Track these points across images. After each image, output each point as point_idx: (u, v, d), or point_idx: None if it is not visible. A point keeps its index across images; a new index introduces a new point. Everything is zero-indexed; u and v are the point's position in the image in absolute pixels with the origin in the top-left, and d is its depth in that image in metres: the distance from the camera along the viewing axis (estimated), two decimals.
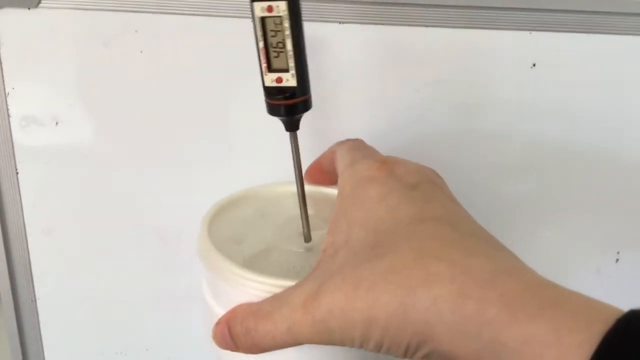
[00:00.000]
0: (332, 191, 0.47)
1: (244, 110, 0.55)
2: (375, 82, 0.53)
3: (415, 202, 0.34)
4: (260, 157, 0.57)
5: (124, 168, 0.59)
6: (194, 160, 0.58)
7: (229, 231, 0.44)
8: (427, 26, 0.51)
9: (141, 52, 0.54)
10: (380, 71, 0.53)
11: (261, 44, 0.38)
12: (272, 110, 0.40)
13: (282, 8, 0.37)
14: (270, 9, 0.37)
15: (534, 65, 0.51)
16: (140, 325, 0.65)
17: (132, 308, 0.64)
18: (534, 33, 0.50)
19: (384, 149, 0.53)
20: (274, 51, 0.38)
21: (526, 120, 0.53)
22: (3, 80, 0.57)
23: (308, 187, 0.44)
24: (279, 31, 0.38)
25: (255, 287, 0.38)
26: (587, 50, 0.50)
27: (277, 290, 0.36)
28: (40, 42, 0.55)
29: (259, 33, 0.38)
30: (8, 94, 0.57)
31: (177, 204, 0.60)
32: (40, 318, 0.66)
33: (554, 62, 0.51)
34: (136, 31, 0.54)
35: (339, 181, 0.38)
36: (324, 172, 0.44)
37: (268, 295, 0.37)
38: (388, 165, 0.36)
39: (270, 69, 0.39)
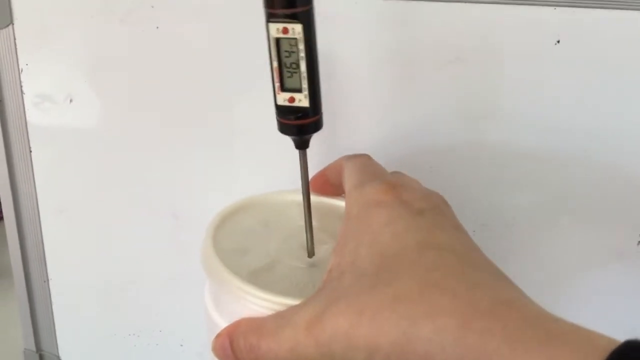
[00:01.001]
0: (337, 203, 0.48)
1: (263, 91, 0.54)
2: (393, 61, 0.52)
3: (421, 230, 0.35)
4: (277, 139, 0.56)
5: (138, 147, 0.59)
6: (210, 142, 0.57)
7: (233, 242, 0.45)
8: (447, 1, 0.49)
9: (157, 28, 0.54)
10: (399, 49, 0.51)
11: (275, 64, 0.39)
12: (283, 129, 0.41)
13: (297, 30, 0.38)
14: (285, 30, 0.38)
15: (557, 42, 0.49)
16: (153, 307, 0.65)
17: (145, 289, 0.64)
18: (558, 8, 0.49)
19: (405, 134, 0.52)
20: (288, 71, 0.39)
21: (549, 99, 0.51)
22: (17, 57, 0.56)
23: (313, 198, 0.45)
24: (293, 52, 0.38)
25: (259, 304, 0.39)
26: (616, 28, 0.49)
27: (280, 308, 0.37)
28: (55, 17, 0.55)
29: (274, 53, 0.39)
30: (22, 70, 0.57)
31: (192, 185, 0.59)
32: (53, 299, 0.66)
33: (579, 40, 0.49)
34: (152, 7, 0.53)
35: (346, 202, 0.39)
36: (329, 184, 0.45)
37: (271, 312, 0.38)
38: (396, 189, 0.37)
39: (283, 89, 0.40)
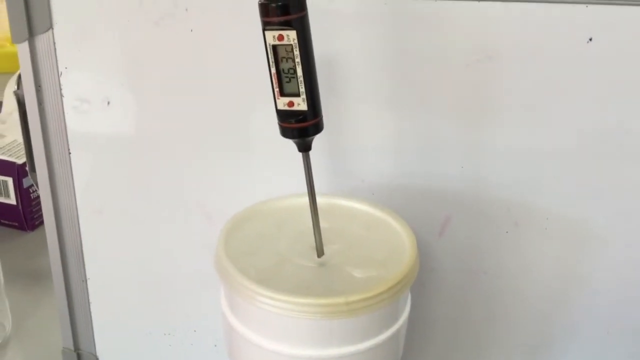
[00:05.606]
0: (347, 203, 0.51)
1: None
2: (420, 57, 0.52)
3: None
4: None
5: (173, 149, 0.61)
6: (243, 143, 0.59)
7: (246, 245, 0.48)
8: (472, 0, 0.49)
9: (191, 31, 0.54)
10: (426, 46, 0.51)
11: (273, 70, 0.42)
12: (285, 132, 0.44)
13: (292, 37, 0.40)
14: (281, 37, 0.40)
15: (590, 39, 0.49)
16: (188, 306, 0.67)
17: (180, 289, 0.66)
18: (590, 6, 0.48)
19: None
20: (286, 77, 0.42)
21: (583, 98, 0.51)
22: (56, 60, 0.58)
23: (323, 199, 0.48)
24: (290, 58, 0.41)
25: (266, 302, 0.41)
26: None
27: (288, 307, 0.40)
28: (93, 21, 0.57)
29: (271, 59, 0.42)
30: (61, 73, 0.59)
31: (226, 186, 0.61)
32: (91, 298, 0.68)
33: (612, 38, 0.49)
34: (187, 10, 0.54)
35: None
36: None
37: (278, 310, 0.40)
38: None
39: (283, 94, 0.42)
